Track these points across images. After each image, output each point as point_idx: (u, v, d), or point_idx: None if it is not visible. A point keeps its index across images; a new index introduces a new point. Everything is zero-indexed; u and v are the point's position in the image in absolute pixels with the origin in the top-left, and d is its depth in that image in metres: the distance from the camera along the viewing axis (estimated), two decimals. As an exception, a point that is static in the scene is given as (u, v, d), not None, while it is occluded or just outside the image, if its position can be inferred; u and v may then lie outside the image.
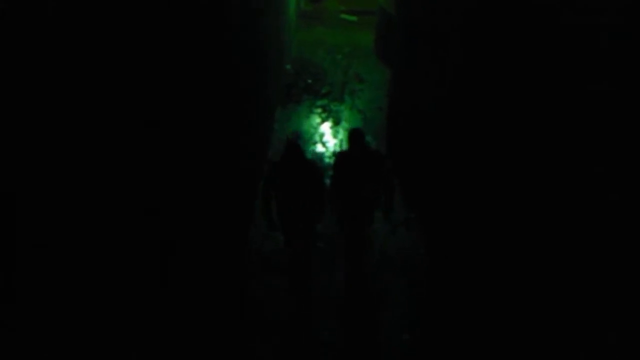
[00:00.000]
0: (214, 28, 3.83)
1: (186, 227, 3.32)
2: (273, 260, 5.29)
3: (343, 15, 12.38)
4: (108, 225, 2.22)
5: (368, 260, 5.28)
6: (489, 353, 3.84)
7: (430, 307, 4.79)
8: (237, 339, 4.51)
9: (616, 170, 2.31)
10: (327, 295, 4.92)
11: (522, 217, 3.19)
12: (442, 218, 4.97)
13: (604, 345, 2.44)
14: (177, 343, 3.22)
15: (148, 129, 2.63)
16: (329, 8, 12.87)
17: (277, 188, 4.25)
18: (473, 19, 3.93)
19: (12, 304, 1.64)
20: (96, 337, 2.16)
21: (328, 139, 7.58)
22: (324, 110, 8.32)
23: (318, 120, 8.08)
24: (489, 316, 3.82)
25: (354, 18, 12.22)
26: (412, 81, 5.86)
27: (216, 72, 3.94)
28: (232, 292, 4.81)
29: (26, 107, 1.66)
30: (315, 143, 7.45)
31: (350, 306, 4.83)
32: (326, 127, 7.88)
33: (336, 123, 7.97)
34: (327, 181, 5.89)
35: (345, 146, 7.32)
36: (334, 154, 7.14)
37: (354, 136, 4.16)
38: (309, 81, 9.14)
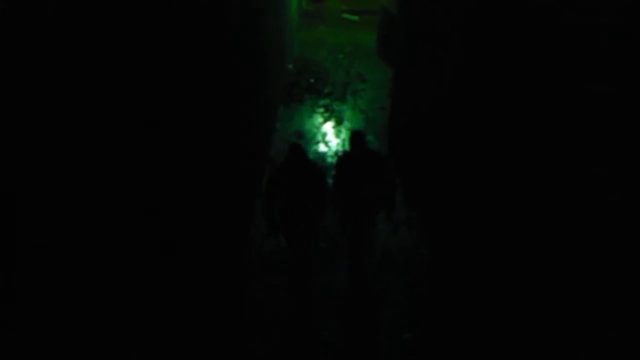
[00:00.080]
0: (214, 28, 3.83)
1: (186, 227, 3.32)
2: (273, 260, 5.29)
3: (345, 15, 12.38)
4: (108, 225, 2.23)
5: (369, 260, 5.28)
6: (490, 353, 3.83)
7: (430, 306, 4.79)
8: (237, 339, 4.52)
9: (616, 170, 2.31)
10: (327, 295, 4.92)
11: (523, 217, 3.19)
12: (443, 217, 4.97)
13: (604, 345, 2.44)
14: (177, 343, 3.22)
15: (148, 129, 2.64)
16: (330, 7, 12.87)
17: (281, 188, 4.29)
18: (473, 19, 3.93)
19: (12, 304, 1.65)
20: (96, 337, 2.17)
21: (330, 138, 7.58)
22: (327, 110, 8.32)
23: (320, 119, 8.08)
24: (490, 316, 3.82)
25: (355, 17, 12.21)
26: (414, 81, 5.86)
27: (216, 72, 3.95)
28: (232, 292, 4.82)
29: (26, 107, 1.66)
30: (317, 143, 7.45)
31: (351, 306, 4.83)
32: (328, 127, 7.88)
33: (338, 123, 7.97)
34: (330, 181, 5.90)
35: (347, 146, 7.33)
36: (337, 153, 7.15)
37: (355, 138, 4.31)
38: (311, 81, 9.14)
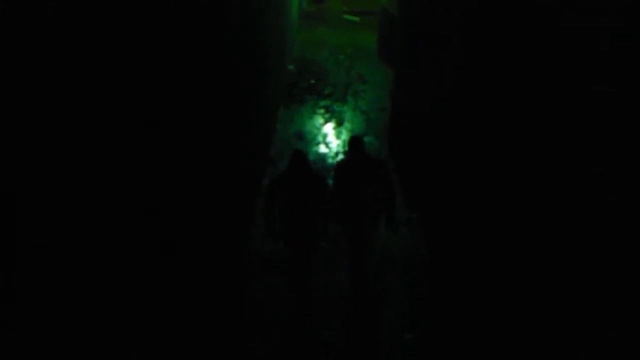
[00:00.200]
0: (214, 28, 3.84)
1: (186, 227, 3.32)
2: (273, 260, 5.29)
3: (345, 16, 12.39)
4: (108, 225, 2.23)
5: (370, 260, 5.28)
6: (490, 352, 3.83)
7: (431, 306, 4.79)
8: (237, 339, 4.52)
9: (617, 171, 2.31)
10: (328, 295, 4.92)
11: (523, 218, 3.19)
12: (444, 218, 4.97)
13: (604, 345, 2.43)
14: (177, 343, 3.22)
15: (148, 129, 2.64)
16: (331, 9, 12.88)
17: (282, 188, 4.36)
18: (473, 20, 3.93)
19: (12, 304, 1.65)
20: (96, 337, 2.17)
21: (331, 139, 7.58)
22: (327, 111, 8.32)
23: (321, 120, 8.08)
24: (490, 316, 3.82)
25: (356, 19, 12.22)
26: (414, 82, 5.86)
27: (216, 72, 3.95)
28: (232, 292, 4.82)
29: (26, 107, 1.66)
30: (318, 144, 7.45)
31: (352, 306, 4.83)
32: (329, 128, 7.88)
33: (339, 124, 7.97)
34: (330, 181, 5.90)
35: (347, 150, 7.35)
36: (337, 155, 7.16)
37: (353, 143, 4.52)
38: (312, 81, 9.14)
